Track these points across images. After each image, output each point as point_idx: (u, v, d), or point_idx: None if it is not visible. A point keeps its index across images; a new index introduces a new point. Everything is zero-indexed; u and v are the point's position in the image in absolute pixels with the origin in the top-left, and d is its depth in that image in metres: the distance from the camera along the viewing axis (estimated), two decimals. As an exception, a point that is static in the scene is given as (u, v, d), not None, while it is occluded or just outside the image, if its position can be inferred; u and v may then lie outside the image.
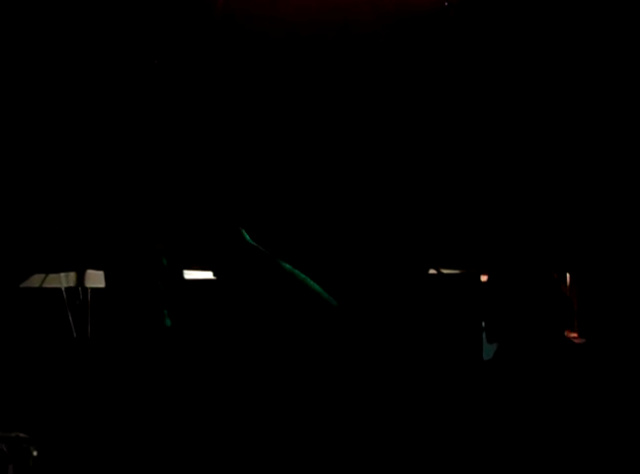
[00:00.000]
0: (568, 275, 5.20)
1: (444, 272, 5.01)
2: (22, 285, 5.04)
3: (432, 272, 4.74)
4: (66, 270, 5.26)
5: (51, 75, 3.98)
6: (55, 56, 3.99)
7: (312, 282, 2.79)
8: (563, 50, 4.18)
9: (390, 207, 4.23)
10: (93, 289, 5.67)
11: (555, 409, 3.04)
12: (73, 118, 4.00)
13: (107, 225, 3.63)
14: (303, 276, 2.77)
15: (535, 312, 3.16)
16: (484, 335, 3.31)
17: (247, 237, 2.78)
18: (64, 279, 5.49)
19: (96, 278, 5.41)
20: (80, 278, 5.52)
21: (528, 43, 4.17)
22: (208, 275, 4.26)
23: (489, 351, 3.37)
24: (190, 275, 4.08)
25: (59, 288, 5.53)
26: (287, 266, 2.76)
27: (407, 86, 4.21)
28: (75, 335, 5.60)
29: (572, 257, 4.45)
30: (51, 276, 5.25)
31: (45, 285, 5.30)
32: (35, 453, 4.61)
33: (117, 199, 3.79)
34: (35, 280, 5.16)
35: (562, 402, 3.05)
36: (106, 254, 3.14)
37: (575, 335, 4.74)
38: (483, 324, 3.30)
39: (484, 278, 4.71)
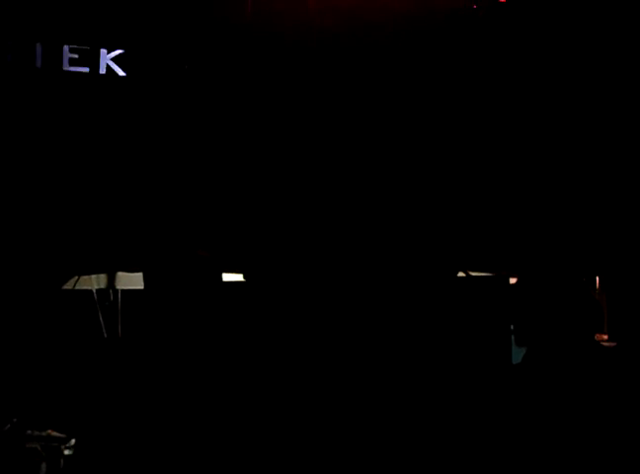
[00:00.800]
0: (597, 278, 5.19)
1: (473, 274, 5.02)
2: (56, 288, 5.09)
3: (461, 274, 4.74)
4: (97, 272, 5.29)
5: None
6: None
7: None
8: (579, 52, 4.19)
9: (419, 211, 4.24)
10: (123, 291, 5.70)
11: (585, 412, 3.04)
12: (110, 122, 4.03)
13: (147, 230, 3.66)
14: None
15: (565, 315, 3.16)
16: (513, 338, 3.31)
17: None
18: (95, 281, 5.52)
19: (126, 280, 5.44)
20: (111, 280, 5.56)
21: (551, 44, 4.18)
22: (239, 277, 4.30)
23: (518, 354, 3.38)
24: (225, 277, 4.11)
25: (90, 290, 5.57)
26: None
27: (437, 87, 4.22)
28: (106, 335, 5.64)
29: (601, 260, 4.44)
30: (83, 278, 5.28)
31: (77, 287, 5.33)
32: (66, 452, 4.64)
33: (158, 203, 3.83)
34: (67, 283, 5.19)
35: (592, 405, 3.05)
36: (146, 258, 3.17)
37: (605, 337, 4.73)
38: (512, 327, 3.30)
39: (513, 281, 4.70)
